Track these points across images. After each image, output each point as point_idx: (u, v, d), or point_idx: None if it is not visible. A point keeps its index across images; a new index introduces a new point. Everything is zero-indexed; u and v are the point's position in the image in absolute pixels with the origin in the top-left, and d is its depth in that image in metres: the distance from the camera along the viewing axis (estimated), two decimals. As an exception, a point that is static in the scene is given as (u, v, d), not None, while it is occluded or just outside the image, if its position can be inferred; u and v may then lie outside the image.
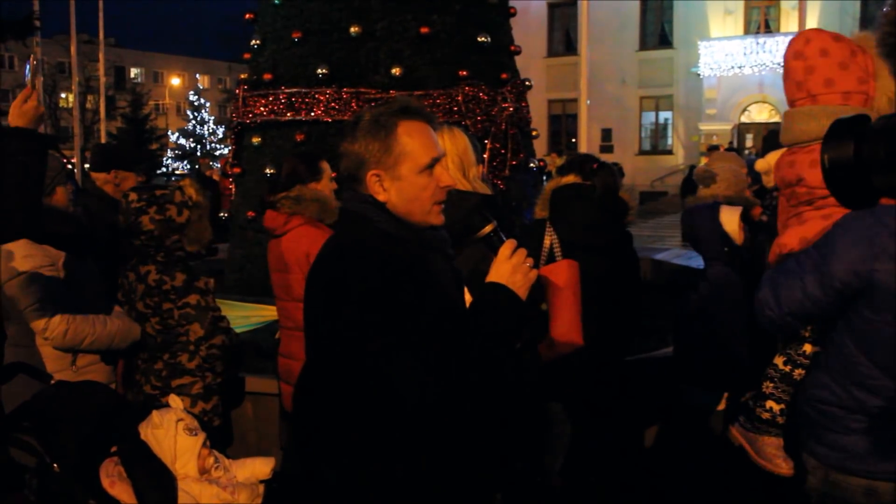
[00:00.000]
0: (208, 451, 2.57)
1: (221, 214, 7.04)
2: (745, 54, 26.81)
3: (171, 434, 2.50)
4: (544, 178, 7.16)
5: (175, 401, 2.70)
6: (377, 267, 1.68)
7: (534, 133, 6.75)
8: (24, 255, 2.82)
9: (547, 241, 3.30)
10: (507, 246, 1.78)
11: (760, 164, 4.46)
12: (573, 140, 25.93)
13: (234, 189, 6.82)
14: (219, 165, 19.81)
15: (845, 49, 2.39)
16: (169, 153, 46.76)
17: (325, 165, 3.53)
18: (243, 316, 5.18)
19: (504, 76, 6.08)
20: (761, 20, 28.09)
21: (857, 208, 1.16)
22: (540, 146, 15.35)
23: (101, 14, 18.04)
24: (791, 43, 2.53)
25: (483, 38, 5.98)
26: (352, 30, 5.74)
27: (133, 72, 60.70)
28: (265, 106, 5.99)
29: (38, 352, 2.90)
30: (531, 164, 6.57)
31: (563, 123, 30.40)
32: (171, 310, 3.13)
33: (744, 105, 28.55)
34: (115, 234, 3.24)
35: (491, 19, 6.23)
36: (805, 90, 2.45)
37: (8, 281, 2.79)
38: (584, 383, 3.29)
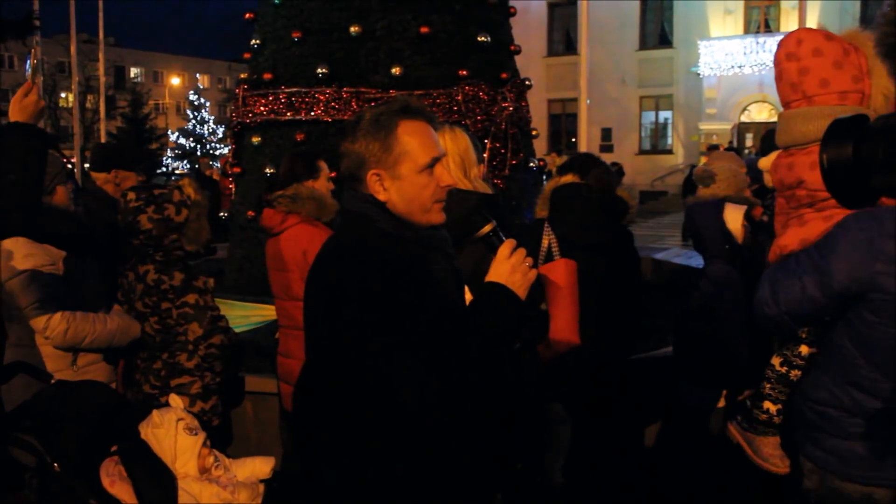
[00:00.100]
0: (208, 451, 2.58)
1: (221, 214, 7.05)
2: (744, 54, 26.81)
3: (172, 433, 2.50)
4: (544, 177, 7.17)
5: (175, 400, 2.71)
6: (377, 267, 1.68)
7: (534, 133, 6.75)
8: (25, 255, 2.82)
9: (545, 242, 3.30)
10: (507, 246, 1.79)
11: (764, 163, 4.44)
12: (573, 140, 25.93)
13: (233, 189, 6.82)
14: (219, 165, 19.81)
15: (838, 48, 2.38)
16: (169, 153, 46.75)
17: (323, 164, 3.54)
18: (243, 315, 5.18)
19: (504, 76, 6.08)
20: (761, 20, 28.08)
21: (856, 208, 1.16)
22: (540, 146, 15.35)
23: (100, 14, 18.03)
24: (782, 43, 2.51)
25: (483, 38, 5.98)
26: (352, 29, 5.74)
27: (133, 71, 60.70)
28: (265, 105, 5.99)
29: (38, 351, 2.90)
30: (531, 164, 6.57)
31: (563, 123, 30.40)
32: (170, 309, 3.13)
33: (744, 104, 28.55)
34: (115, 234, 3.24)
35: (491, 19, 6.24)
36: (800, 91, 2.43)
37: (8, 280, 2.79)
38: (584, 383, 3.29)
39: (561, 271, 2.95)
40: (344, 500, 1.77)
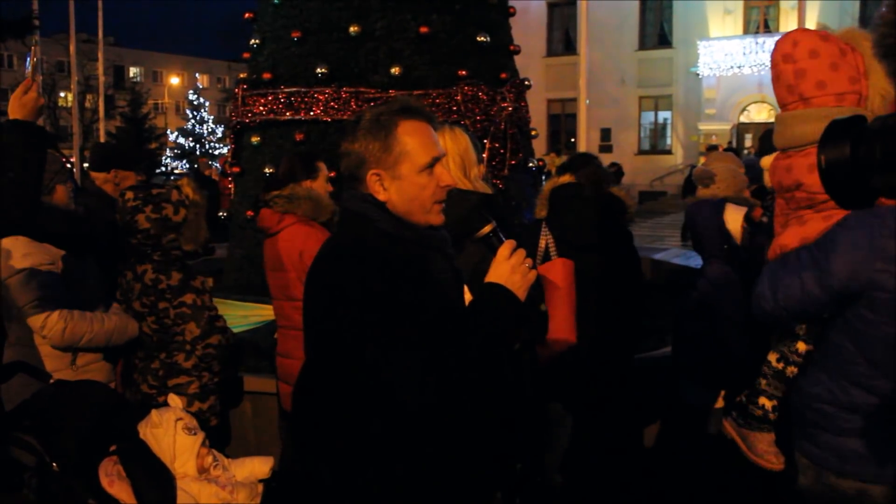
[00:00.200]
0: (207, 451, 2.58)
1: (221, 214, 7.05)
2: (744, 54, 26.81)
3: (171, 433, 2.50)
4: (543, 177, 7.17)
5: (174, 400, 2.71)
6: (376, 266, 1.68)
7: (533, 133, 6.75)
8: (24, 254, 2.82)
9: (542, 242, 3.30)
10: (506, 246, 1.79)
11: (766, 162, 4.43)
12: (572, 140, 25.92)
13: (233, 188, 6.82)
14: (218, 165, 19.81)
15: (834, 49, 2.37)
16: (168, 152, 46.74)
17: (322, 165, 3.54)
18: (242, 315, 5.18)
19: (503, 76, 6.09)
20: (760, 20, 28.09)
21: (854, 209, 1.16)
22: (539, 146, 15.35)
23: (100, 13, 18.04)
24: (778, 45, 2.50)
25: (482, 38, 5.98)
26: (351, 29, 5.74)
27: (132, 71, 60.66)
28: (264, 105, 5.99)
29: (37, 351, 2.90)
30: (530, 164, 6.57)
31: (563, 123, 30.40)
32: (167, 309, 3.13)
33: (743, 105, 28.56)
34: (115, 233, 3.24)
35: (490, 19, 6.24)
36: (797, 93, 2.43)
37: (7, 279, 2.79)
38: (583, 383, 3.29)
39: (559, 271, 2.96)
40: (343, 500, 1.77)
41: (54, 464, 2.21)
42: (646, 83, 30.00)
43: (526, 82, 6.49)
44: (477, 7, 6.11)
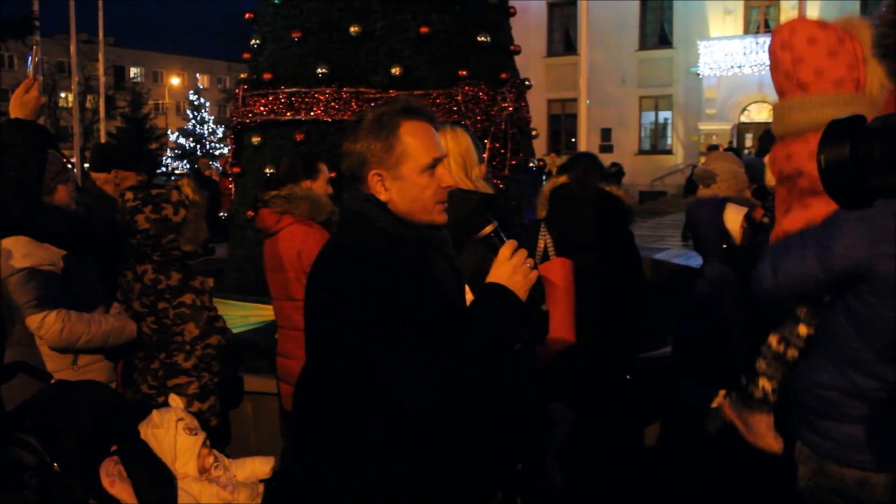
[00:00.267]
0: (208, 451, 2.58)
1: (221, 214, 7.05)
2: (744, 54, 26.81)
3: (171, 433, 2.50)
4: (544, 177, 7.17)
5: (175, 400, 2.71)
6: (377, 266, 1.68)
7: (533, 133, 6.75)
8: (24, 254, 2.82)
9: (541, 243, 3.31)
10: (508, 247, 1.79)
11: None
12: (573, 140, 25.92)
13: (233, 189, 6.82)
14: (218, 165, 19.81)
15: (832, 36, 2.37)
16: (168, 153, 46.76)
17: (323, 167, 3.55)
18: (243, 315, 5.19)
19: (504, 76, 6.08)
20: (761, 20, 28.09)
21: (853, 209, 1.16)
22: (539, 146, 15.33)
23: (100, 13, 18.04)
24: (776, 33, 2.49)
25: (483, 38, 5.98)
26: (351, 29, 5.74)
27: (133, 71, 60.68)
28: (265, 105, 5.99)
29: (38, 351, 2.90)
30: (530, 164, 6.57)
31: (563, 123, 30.40)
32: (167, 309, 3.14)
33: (743, 105, 28.56)
34: (116, 234, 3.25)
35: (490, 19, 6.24)
36: (795, 81, 2.42)
37: (7, 278, 2.79)
38: (583, 383, 3.29)
39: (557, 270, 2.96)
40: (343, 499, 1.77)
41: (55, 464, 2.21)
42: (646, 83, 30.00)
43: (526, 82, 6.49)
44: (477, 7, 6.11)
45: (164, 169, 40.79)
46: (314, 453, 1.84)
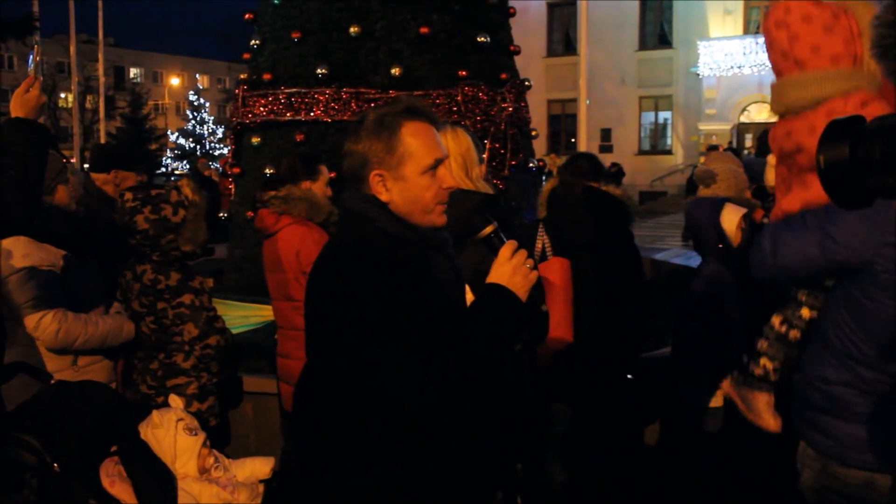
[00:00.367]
0: (208, 451, 2.58)
1: (221, 215, 7.05)
2: (744, 54, 26.81)
3: (171, 433, 2.50)
4: (543, 178, 7.17)
5: (175, 400, 2.71)
6: (376, 266, 1.68)
7: (533, 133, 6.75)
8: (24, 254, 2.82)
9: (539, 244, 3.31)
10: (508, 247, 1.79)
11: (773, 159, 4.41)
12: (572, 140, 25.92)
13: (233, 189, 6.83)
14: (217, 165, 19.80)
15: (827, 13, 2.36)
16: (168, 153, 46.75)
17: (323, 168, 3.55)
18: (242, 316, 5.19)
19: (503, 76, 6.09)
20: (761, 20, 28.08)
21: (852, 209, 1.16)
22: (539, 146, 15.34)
23: (100, 14, 18.05)
24: (770, 12, 2.48)
25: (482, 38, 5.98)
26: (351, 30, 5.75)
27: (132, 72, 60.66)
28: (265, 106, 6.00)
29: (38, 351, 2.90)
30: (530, 165, 6.58)
31: (563, 123, 30.40)
32: (166, 309, 3.14)
33: (743, 105, 28.56)
34: (116, 234, 3.25)
35: (490, 19, 6.24)
36: (791, 59, 2.41)
37: (6, 278, 2.79)
38: (583, 383, 3.30)
39: (555, 269, 2.96)
40: (343, 499, 1.77)
41: (55, 464, 2.21)
42: (646, 83, 30.00)
43: (526, 83, 6.49)
44: (477, 7, 6.11)
45: (163, 169, 40.77)
46: (314, 453, 1.84)
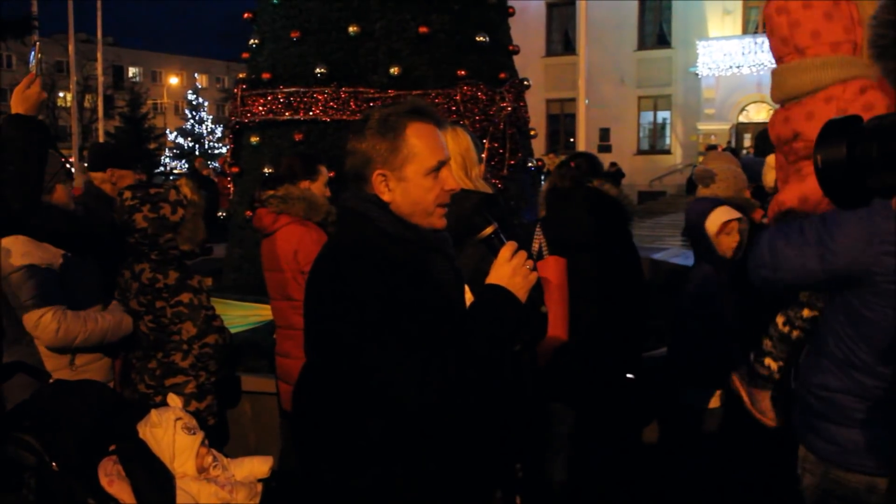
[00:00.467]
0: (207, 450, 2.58)
1: (220, 214, 7.05)
2: (743, 54, 26.83)
3: (170, 433, 2.50)
4: (542, 177, 7.18)
5: (173, 399, 2.71)
6: (376, 266, 1.68)
7: (532, 133, 6.76)
8: (23, 253, 2.82)
9: (536, 244, 3.31)
10: (508, 248, 1.79)
11: (773, 160, 4.41)
12: (571, 140, 25.94)
13: (232, 188, 6.83)
14: (215, 164, 19.80)
15: None
16: (167, 152, 46.72)
17: (323, 168, 3.55)
18: (241, 315, 5.19)
19: (502, 76, 6.09)
20: (759, 20, 28.07)
21: (851, 209, 1.16)
22: (538, 146, 15.34)
23: (99, 13, 18.07)
24: None
25: (481, 38, 5.99)
26: (350, 29, 5.75)
27: (131, 71, 60.62)
28: (263, 105, 6.00)
29: (37, 350, 2.90)
30: (529, 164, 6.58)
31: (562, 123, 30.42)
32: (164, 308, 3.13)
33: (742, 105, 28.58)
34: (114, 232, 3.25)
35: (489, 19, 6.24)
36: (791, 45, 2.41)
37: (5, 277, 2.79)
38: (584, 383, 3.29)
39: (551, 268, 2.96)
40: (343, 499, 1.77)
41: (54, 463, 2.21)
42: (645, 83, 30.01)
43: (525, 82, 6.49)
44: (476, 7, 6.11)
45: (162, 168, 40.75)
46: (314, 453, 1.84)
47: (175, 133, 49.27)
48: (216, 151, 42.01)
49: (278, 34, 6.09)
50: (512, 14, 6.73)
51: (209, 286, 3.33)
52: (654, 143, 30.92)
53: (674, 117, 30.11)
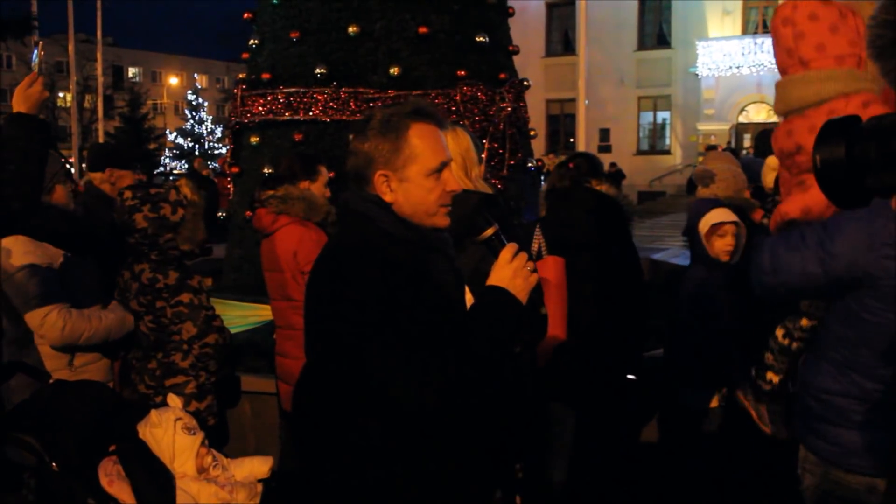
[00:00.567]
0: (207, 450, 2.58)
1: (220, 214, 7.05)
2: (743, 54, 26.84)
3: (170, 433, 2.50)
4: (542, 178, 7.18)
5: (173, 400, 2.71)
6: (376, 266, 1.68)
7: (532, 133, 6.76)
8: (23, 253, 2.82)
9: (535, 244, 3.31)
10: (508, 249, 1.79)
11: (773, 161, 4.41)
12: (571, 140, 25.95)
13: (232, 189, 6.83)
14: (215, 164, 19.80)
15: (834, 12, 2.35)
16: (167, 152, 46.71)
17: (323, 169, 3.55)
18: (241, 315, 5.18)
19: (502, 76, 6.09)
20: (759, 20, 28.10)
21: (850, 209, 1.16)
22: (538, 146, 15.35)
23: (98, 13, 18.07)
24: (778, 10, 2.47)
25: (481, 38, 5.99)
26: (350, 29, 5.75)
27: (131, 71, 60.59)
28: (263, 105, 6.00)
29: (36, 350, 2.90)
30: (529, 165, 6.58)
31: (562, 123, 30.43)
32: (164, 308, 3.14)
33: (742, 105, 28.59)
34: (114, 233, 3.25)
35: (489, 19, 6.24)
36: (796, 57, 2.41)
37: (6, 277, 2.79)
38: (583, 383, 3.30)
39: (550, 268, 2.96)
40: (343, 499, 1.77)
41: (54, 464, 2.21)
42: (645, 83, 30.02)
43: (525, 82, 6.49)
44: (476, 7, 6.12)
45: (162, 169, 40.73)
46: (314, 453, 1.84)
47: (175, 133, 49.24)
48: (216, 152, 42.00)
49: (278, 34, 6.09)
50: (512, 14, 6.73)
51: (209, 286, 3.33)
52: (654, 144, 30.93)
53: (673, 118, 30.11)
